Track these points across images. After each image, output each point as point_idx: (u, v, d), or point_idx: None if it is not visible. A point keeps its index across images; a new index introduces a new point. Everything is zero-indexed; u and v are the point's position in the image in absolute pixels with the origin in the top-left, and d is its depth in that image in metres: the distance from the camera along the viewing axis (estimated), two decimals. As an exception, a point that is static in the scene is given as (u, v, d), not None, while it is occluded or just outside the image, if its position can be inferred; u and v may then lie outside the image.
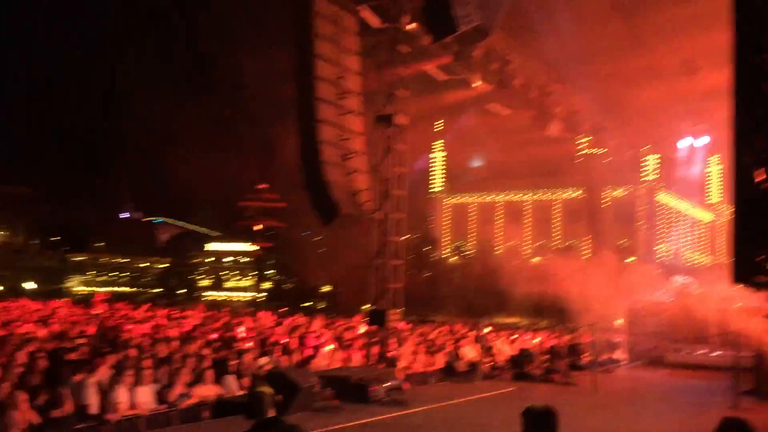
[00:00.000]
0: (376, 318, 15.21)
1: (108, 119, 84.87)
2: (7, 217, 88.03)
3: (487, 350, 19.89)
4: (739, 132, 9.28)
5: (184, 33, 64.14)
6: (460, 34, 16.47)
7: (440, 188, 70.02)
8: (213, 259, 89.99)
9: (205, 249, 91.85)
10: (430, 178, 69.95)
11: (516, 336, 24.65)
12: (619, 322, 24.34)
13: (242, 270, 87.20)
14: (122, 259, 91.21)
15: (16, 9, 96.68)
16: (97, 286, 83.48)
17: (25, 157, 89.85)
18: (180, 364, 12.45)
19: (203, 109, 66.33)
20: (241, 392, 11.58)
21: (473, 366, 17.54)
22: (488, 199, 68.20)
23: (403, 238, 18.24)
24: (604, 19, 29.69)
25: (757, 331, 15.30)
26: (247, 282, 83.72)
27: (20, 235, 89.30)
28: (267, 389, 4.83)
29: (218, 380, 11.95)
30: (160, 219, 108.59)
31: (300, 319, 29.72)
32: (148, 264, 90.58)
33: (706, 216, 62.96)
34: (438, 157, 69.67)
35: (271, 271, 78.56)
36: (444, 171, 70.43)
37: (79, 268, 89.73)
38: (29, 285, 77.27)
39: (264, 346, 17.17)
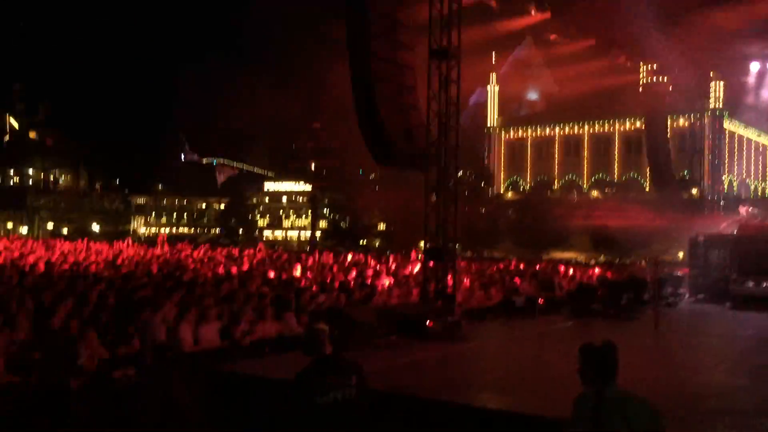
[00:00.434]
0: (433, 254, 15.15)
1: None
2: (72, 162, 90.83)
3: (546, 285, 19.73)
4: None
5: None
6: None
7: (496, 123, 68.76)
8: (269, 199, 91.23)
9: (262, 190, 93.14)
10: (486, 112, 68.71)
11: (574, 271, 24.37)
12: (681, 255, 23.81)
13: (298, 209, 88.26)
14: (182, 200, 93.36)
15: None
16: (159, 228, 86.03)
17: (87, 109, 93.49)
18: (242, 301, 12.73)
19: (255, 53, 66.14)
20: (300, 329, 11.76)
21: (531, 301, 17.44)
22: (545, 132, 66.70)
23: (459, 173, 17.96)
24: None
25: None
26: (303, 221, 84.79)
27: (83, 179, 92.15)
28: (324, 326, 4.84)
29: (278, 317, 12.16)
30: (217, 160, 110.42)
31: (357, 256, 30.05)
32: (205, 205, 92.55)
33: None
34: (493, 90, 68.21)
35: (327, 210, 79.27)
36: (499, 105, 69.04)
37: (141, 211, 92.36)
38: (95, 227, 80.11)
39: (322, 284, 17.44)
